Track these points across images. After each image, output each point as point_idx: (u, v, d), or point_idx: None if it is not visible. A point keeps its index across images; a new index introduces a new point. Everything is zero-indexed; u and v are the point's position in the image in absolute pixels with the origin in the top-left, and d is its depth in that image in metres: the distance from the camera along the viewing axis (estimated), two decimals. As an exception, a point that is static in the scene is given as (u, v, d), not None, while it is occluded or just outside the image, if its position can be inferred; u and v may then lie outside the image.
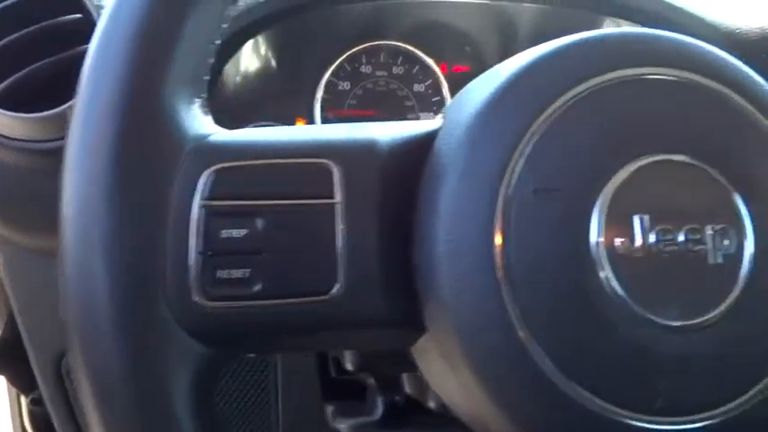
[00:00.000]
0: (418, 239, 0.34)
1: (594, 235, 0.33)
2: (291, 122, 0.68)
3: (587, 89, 0.34)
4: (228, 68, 0.70)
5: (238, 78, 0.71)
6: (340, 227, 0.33)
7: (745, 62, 0.66)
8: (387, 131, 0.36)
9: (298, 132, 0.35)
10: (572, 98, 0.34)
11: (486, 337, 0.32)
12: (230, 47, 0.65)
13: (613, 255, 0.33)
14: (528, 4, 0.78)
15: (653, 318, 0.33)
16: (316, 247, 0.33)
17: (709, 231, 0.33)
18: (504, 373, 0.32)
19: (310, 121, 0.69)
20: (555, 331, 0.32)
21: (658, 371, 0.33)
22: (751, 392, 0.34)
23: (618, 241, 0.33)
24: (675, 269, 0.33)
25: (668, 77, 0.35)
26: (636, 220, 0.33)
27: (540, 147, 0.33)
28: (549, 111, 0.33)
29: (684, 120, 0.35)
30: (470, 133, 0.34)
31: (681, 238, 0.33)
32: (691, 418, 0.33)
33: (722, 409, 0.33)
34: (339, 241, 0.33)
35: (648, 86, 0.34)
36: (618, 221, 0.33)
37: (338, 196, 0.34)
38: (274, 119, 0.65)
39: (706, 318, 0.33)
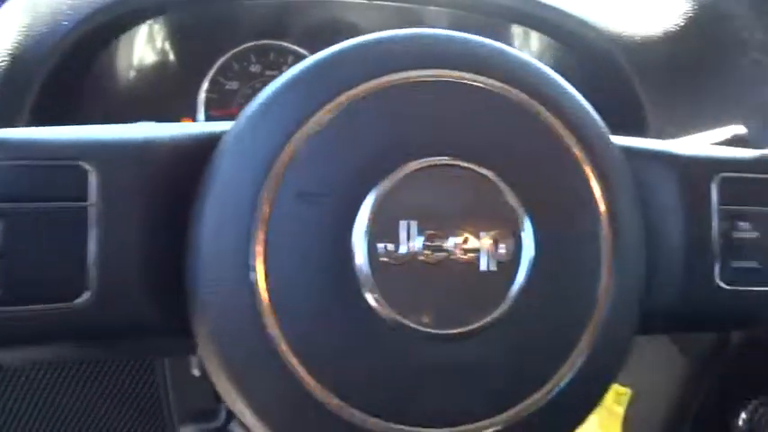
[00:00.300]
0: (185, 245, 0.33)
1: (358, 241, 0.32)
2: (176, 121, 0.67)
3: (354, 95, 0.33)
4: (122, 62, 0.68)
5: (132, 73, 0.70)
6: (93, 231, 0.32)
7: (631, 65, 0.66)
8: (168, 131, 0.35)
9: (60, 132, 0.34)
10: (340, 103, 0.33)
11: (242, 345, 0.31)
12: (103, 36, 0.63)
13: (376, 262, 0.32)
14: (431, 8, 0.77)
15: (416, 327, 0.32)
16: (64, 253, 0.32)
17: (483, 238, 0.33)
18: (259, 381, 0.31)
19: (195, 120, 0.68)
20: (312, 340, 0.31)
21: (422, 381, 0.32)
22: (523, 404, 0.33)
23: (381, 247, 0.32)
24: (443, 277, 0.32)
25: (443, 79, 0.34)
26: (402, 226, 0.32)
27: (307, 152, 0.32)
28: (316, 117, 0.32)
29: (464, 124, 0.34)
30: (238, 137, 0.33)
31: (450, 244, 0.32)
32: (458, 428, 0.32)
33: (491, 420, 0.32)
34: (91, 247, 0.32)
35: (424, 89, 0.33)
36: (383, 227, 0.32)
37: (92, 199, 0.33)
38: (159, 117, 0.64)
39: (474, 326, 0.32)
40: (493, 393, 0.33)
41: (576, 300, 0.34)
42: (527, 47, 0.77)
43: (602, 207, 0.34)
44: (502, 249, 0.33)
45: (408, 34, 0.35)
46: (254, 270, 0.31)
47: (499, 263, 0.33)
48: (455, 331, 0.32)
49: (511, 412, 0.33)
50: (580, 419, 0.35)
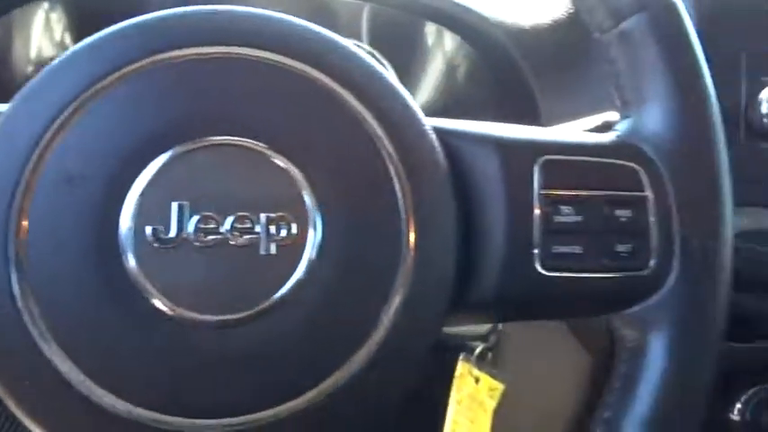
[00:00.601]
0: None
1: (125, 224, 0.30)
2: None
3: (126, 73, 0.32)
4: (19, 47, 0.67)
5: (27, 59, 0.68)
6: None
7: (521, 55, 0.65)
8: None
9: None
10: (111, 82, 0.31)
11: (3, 340, 0.30)
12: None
13: (144, 246, 0.30)
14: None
15: (187, 313, 0.30)
16: None
17: (262, 220, 0.31)
18: (18, 370, 0.30)
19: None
20: (79, 333, 0.30)
21: (196, 370, 0.31)
22: (310, 392, 0.31)
23: (149, 230, 0.30)
24: (219, 261, 0.31)
25: (225, 56, 0.32)
26: (174, 208, 0.31)
27: (77, 133, 0.31)
28: (85, 96, 0.31)
29: (246, 102, 0.33)
30: (8, 118, 0.32)
31: (226, 227, 0.31)
32: (236, 419, 0.31)
33: (275, 410, 0.31)
34: None
35: (198, 67, 0.32)
36: (153, 209, 0.31)
37: None
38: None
39: (249, 312, 0.31)
40: (274, 382, 0.31)
41: (369, 286, 0.32)
42: (441, 45, 0.76)
43: (402, 190, 0.33)
44: (283, 232, 0.31)
45: (191, 11, 0.33)
46: (14, 260, 0.30)
47: (282, 246, 0.32)
48: (226, 318, 0.31)
49: (299, 400, 0.31)
50: (380, 406, 0.33)
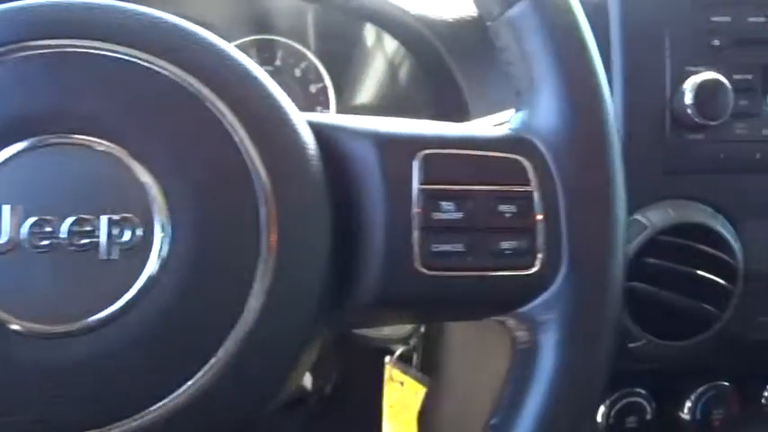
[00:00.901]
0: None
1: None
2: None
3: None
4: None
5: None
6: None
7: (447, 50, 0.63)
8: None
9: None
10: None
11: None
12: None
13: None
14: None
15: (18, 323, 0.29)
16: None
17: (103, 222, 0.30)
18: None
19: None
20: None
21: (23, 383, 0.29)
22: (156, 408, 0.30)
23: None
24: (55, 267, 0.29)
25: (54, 49, 0.31)
26: (5, 212, 0.29)
27: None
28: None
29: (84, 97, 0.31)
30: None
31: (64, 230, 0.29)
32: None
33: (119, 424, 0.29)
34: None
35: (32, 61, 0.30)
36: None
37: None
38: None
39: (84, 323, 0.29)
40: (115, 397, 0.29)
41: (223, 293, 0.31)
42: (381, 46, 0.74)
43: (263, 188, 0.31)
44: (127, 235, 0.30)
45: (28, 3, 0.32)
46: None
47: (125, 251, 0.30)
48: (56, 329, 0.29)
49: (143, 414, 0.29)
50: (237, 419, 0.32)
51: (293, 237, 0.32)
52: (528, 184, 0.36)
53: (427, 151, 0.35)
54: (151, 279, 0.30)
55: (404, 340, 0.56)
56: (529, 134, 0.37)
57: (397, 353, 0.53)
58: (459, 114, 0.63)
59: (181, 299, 0.30)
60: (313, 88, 0.70)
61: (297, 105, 0.73)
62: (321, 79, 0.70)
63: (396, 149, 0.36)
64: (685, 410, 0.65)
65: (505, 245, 0.35)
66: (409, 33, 0.66)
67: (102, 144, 0.30)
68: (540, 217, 0.36)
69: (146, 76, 0.31)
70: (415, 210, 0.35)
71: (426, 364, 0.65)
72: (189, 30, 0.33)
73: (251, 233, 0.31)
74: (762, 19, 0.55)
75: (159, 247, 0.30)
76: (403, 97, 0.74)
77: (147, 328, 0.30)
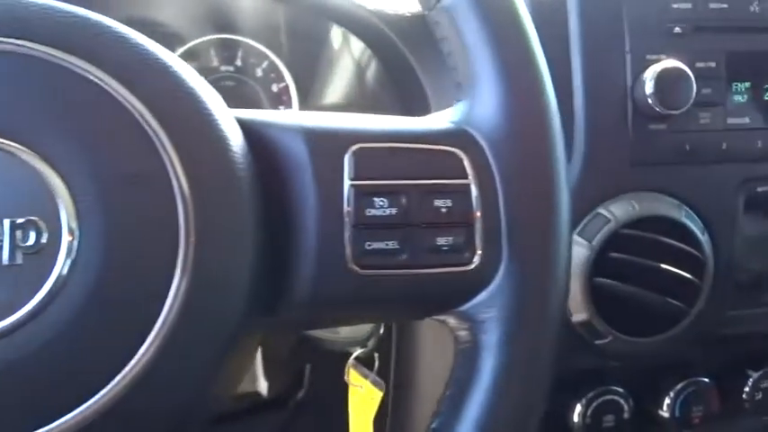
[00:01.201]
0: None
1: None
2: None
3: None
4: None
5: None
6: None
7: (405, 44, 0.62)
8: None
9: None
10: None
11: None
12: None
13: None
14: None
15: None
16: None
17: (6, 226, 0.28)
18: None
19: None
20: None
21: None
22: (65, 419, 0.28)
23: None
24: None
25: None
26: None
27: None
28: None
29: None
30: None
31: (-35, 236, 0.28)
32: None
33: None
34: None
35: None
36: None
37: None
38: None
39: None
40: (19, 410, 0.28)
41: (135, 299, 0.29)
42: (348, 48, 0.73)
43: (180, 188, 0.30)
44: (32, 239, 0.28)
45: None
46: None
47: (29, 255, 0.28)
48: None
49: (52, 427, 0.28)
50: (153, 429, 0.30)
51: (214, 238, 0.30)
52: (465, 178, 0.34)
53: (359, 146, 0.34)
54: (58, 285, 0.28)
55: (362, 343, 0.54)
56: (468, 126, 0.36)
57: (354, 356, 0.51)
58: (425, 113, 0.61)
59: (89, 306, 0.28)
60: (275, 88, 0.69)
61: (259, 105, 0.72)
62: (283, 79, 0.69)
63: (326, 144, 0.34)
64: (664, 408, 0.63)
65: (442, 241, 0.34)
66: (370, 31, 0.64)
67: (4, 144, 0.28)
68: (477, 210, 0.34)
69: (52, 72, 0.29)
70: (347, 207, 0.33)
71: (398, 369, 0.63)
72: (101, 23, 0.31)
73: (167, 235, 0.30)
74: (723, 5, 0.54)
75: (67, 252, 0.28)
76: (371, 97, 0.73)
77: (53, 337, 0.28)
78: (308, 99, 0.72)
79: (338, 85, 0.74)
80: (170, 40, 0.69)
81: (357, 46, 0.71)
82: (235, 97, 0.68)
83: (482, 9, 0.35)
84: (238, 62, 0.69)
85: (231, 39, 0.69)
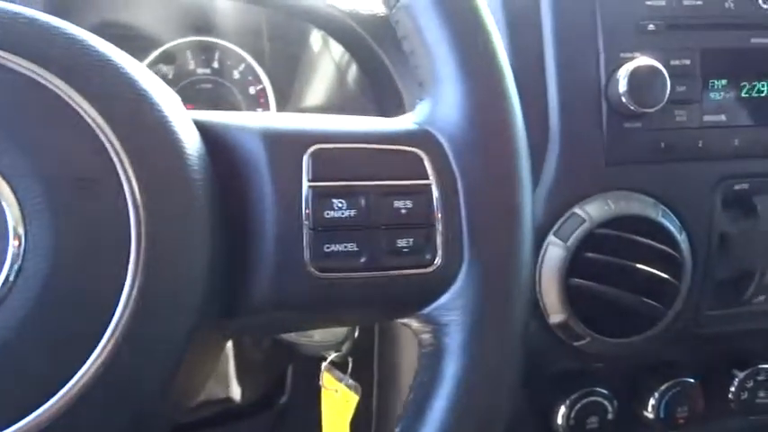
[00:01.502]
0: None
1: None
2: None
3: None
4: None
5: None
6: None
7: (380, 45, 0.61)
8: None
9: None
10: None
11: None
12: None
13: None
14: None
15: None
16: None
17: None
18: None
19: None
20: None
21: None
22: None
23: None
24: None
25: None
26: None
27: None
28: None
29: None
30: None
31: None
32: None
33: None
34: None
35: None
36: None
37: None
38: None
39: None
40: None
41: (84, 307, 0.28)
42: (328, 51, 0.73)
43: (131, 192, 0.29)
44: None
45: None
46: None
47: (-27, 261, 0.28)
48: None
49: None
50: None
51: (166, 243, 0.30)
52: (426, 178, 0.34)
53: (318, 146, 0.34)
54: (3, 291, 0.28)
55: (337, 346, 0.54)
56: (430, 126, 0.35)
57: (328, 359, 0.51)
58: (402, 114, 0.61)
59: (37, 312, 0.28)
60: (252, 90, 0.69)
61: (237, 108, 0.71)
62: (260, 81, 0.69)
63: (285, 145, 0.34)
64: (649, 408, 0.62)
65: (402, 242, 0.33)
66: (346, 32, 0.64)
67: None
68: (438, 211, 0.34)
69: (19, 81, 0.29)
70: (306, 209, 0.33)
71: (381, 370, 0.63)
72: (49, 24, 0.31)
73: (118, 241, 0.29)
74: (698, 2, 0.53)
75: (12, 257, 0.28)
76: (350, 99, 0.73)
77: (1, 343, 0.28)
78: (288, 102, 0.72)
79: (318, 88, 0.74)
80: (146, 43, 0.69)
81: (337, 49, 0.71)
82: (212, 100, 0.68)
83: (441, 7, 0.35)
84: (215, 64, 0.69)
85: (208, 41, 0.69)
